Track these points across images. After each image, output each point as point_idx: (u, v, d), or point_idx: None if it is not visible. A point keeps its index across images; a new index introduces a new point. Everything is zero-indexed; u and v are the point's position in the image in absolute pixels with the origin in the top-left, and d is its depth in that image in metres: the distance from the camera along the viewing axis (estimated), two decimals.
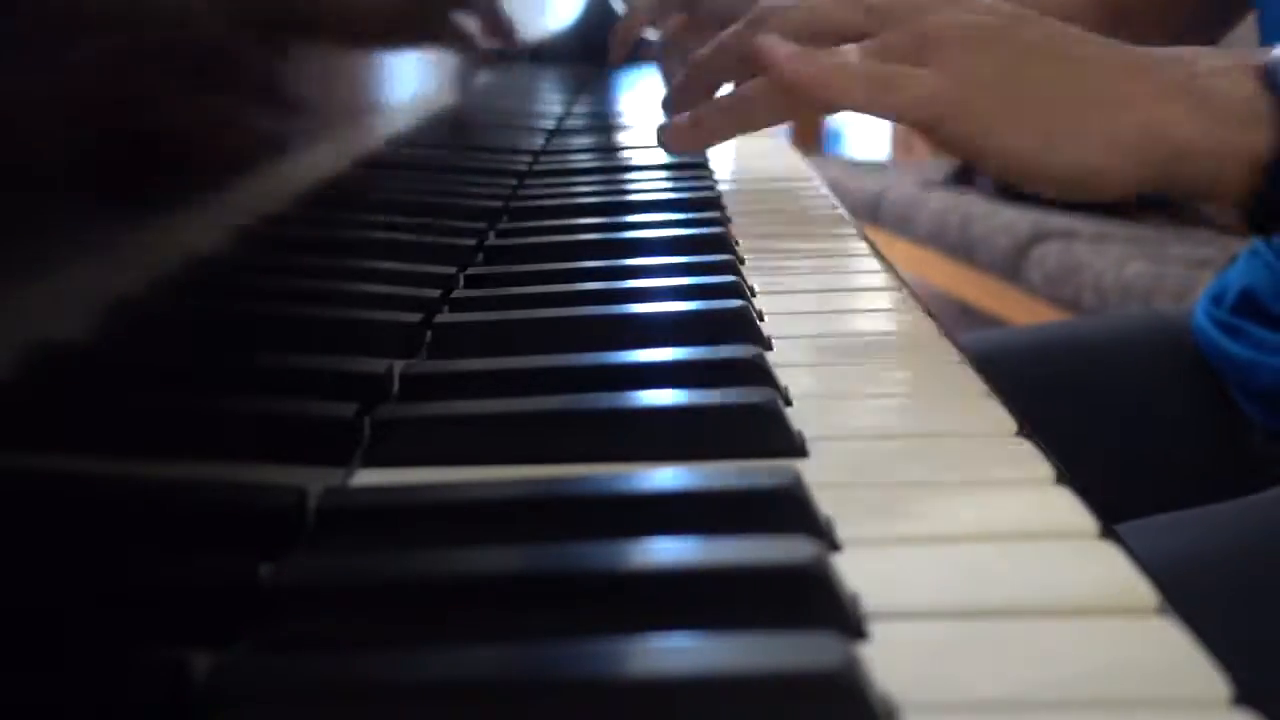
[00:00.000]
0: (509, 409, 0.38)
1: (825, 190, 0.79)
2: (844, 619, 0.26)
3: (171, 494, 0.26)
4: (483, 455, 0.36)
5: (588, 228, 0.65)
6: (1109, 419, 0.76)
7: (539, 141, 0.92)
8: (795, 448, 0.36)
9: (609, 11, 1.31)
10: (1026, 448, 0.36)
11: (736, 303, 0.47)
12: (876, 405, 0.41)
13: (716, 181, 0.78)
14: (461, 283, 0.54)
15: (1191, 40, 0.94)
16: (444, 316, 0.49)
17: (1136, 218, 2.24)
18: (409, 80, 0.54)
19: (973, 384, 0.41)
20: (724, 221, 0.65)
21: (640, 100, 1.15)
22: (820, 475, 0.33)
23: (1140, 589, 0.28)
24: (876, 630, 0.26)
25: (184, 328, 0.28)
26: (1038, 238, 2.27)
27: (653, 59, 1.14)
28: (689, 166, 0.81)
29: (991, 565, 0.29)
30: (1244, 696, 0.24)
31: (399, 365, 0.42)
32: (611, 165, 0.85)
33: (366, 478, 0.36)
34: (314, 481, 0.33)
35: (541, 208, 0.71)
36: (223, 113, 0.31)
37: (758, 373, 0.40)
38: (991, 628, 0.27)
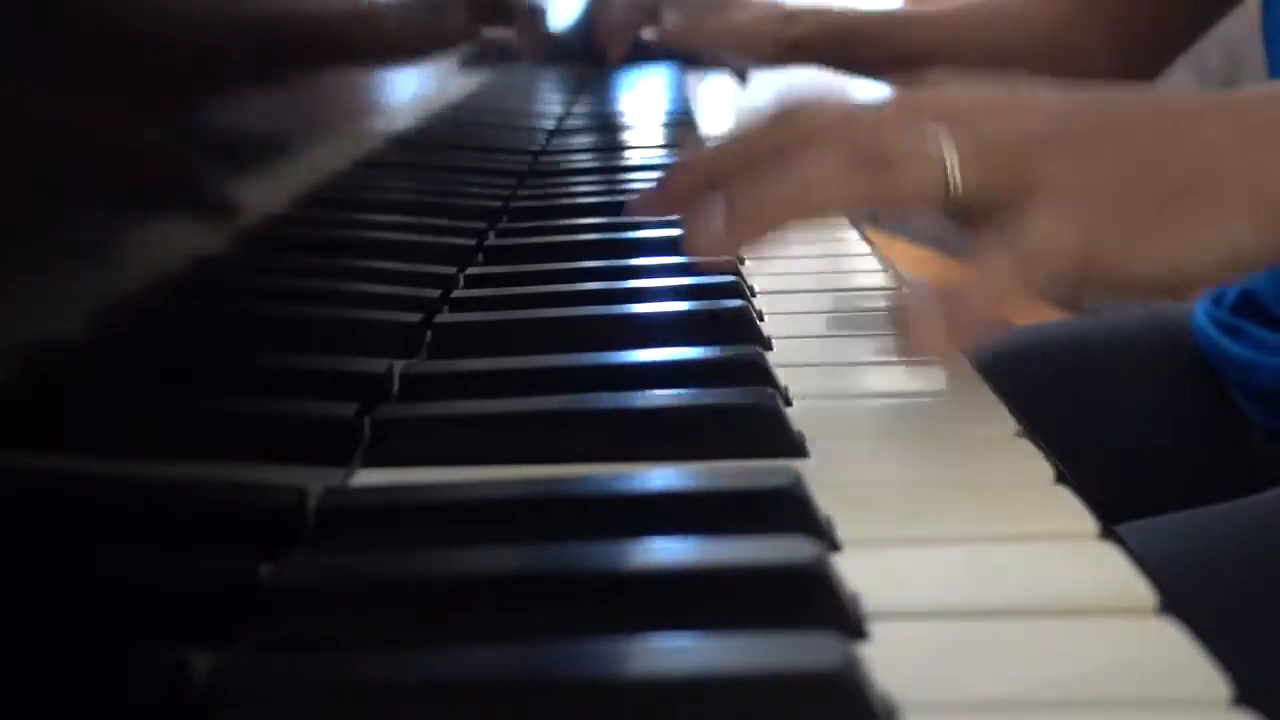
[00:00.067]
0: (509, 409, 0.38)
1: None
2: (844, 619, 0.26)
3: (172, 494, 0.26)
4: (483, 455, 0.36)
5: (588, 228, 0.65)
6: (1109, 419, 0.76)
7: (539, 141, 0.92)
8: (795, 448, 0.36)
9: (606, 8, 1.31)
10: (1026, 448, 0.36)
11: (736, 302, 0.47)
12: (876, 405, 0.41)
13: None
14: (461, 283, 0.54)
15: (1163, 41, 0.94)
16: (444, 316, 0.49)
17: None
18: (410, 79, 0.54)
19: (973, 384, 0.41)
20: None
21: (640, 100, 1.15)
22: (820, 475, 0.33)
23: (1140, 589, 0.28)
24: (876, 630, 0.26)
25: (185, 328, 0.28)
26: None
27: (653, 58, 1.14)
28: None
29: (991, 565, 0.29)
30: (1244, 696, 0.24)
31: (399, 365, 0.42)
32: (611, 165, 0.85)
33: (366, 478, 0.36)
34: (314, 481, 0.33)
35: (541, 208, 0.71)
36: (223, 113, 0.31)
37: (758, 373, 0.40)
38: (991, 628, 0.27)
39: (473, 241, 0.61)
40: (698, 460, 0.35)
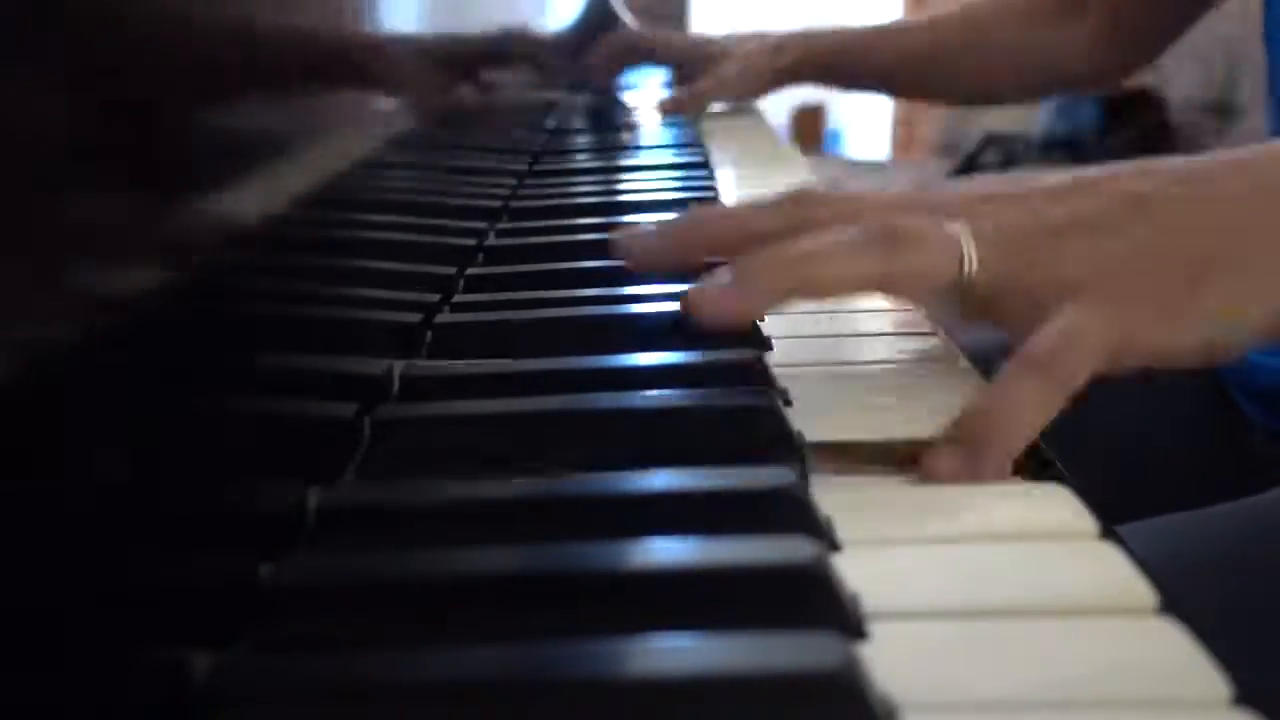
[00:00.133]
0: (509, 409, 0.38)
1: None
2: (844, 619, 0.26)
3: (172, 494, 0.26)
4: (483, 456, 0.36)
5: (587, 228, 0.65)
6: (1109, 419, 0.76)
7: (539, 141, 0.92)
8: (795, 449, 0.36)
9: (609, 12, 1.32)
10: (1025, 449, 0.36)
11: None
12: (876, 405, 0.41)
13: (716, 181, 0.78)
14: (461, 283, 0.54)
15: (1150, 37, 0.94)
16: (444, 317, 0.49)
17: None
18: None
19: (973, 384, 0.41)
20: None
21: (640, 100, 1.15)
22: (820, 475, 0.33)
23: (1140, 589, 0.28)
24: (876, 630, 0.26)
25: (185, 328, 0.28)
26: None
27: (652, 60, 1.16)
28: (689, 166, 0.81)
29: (991, 565, 0.29)
30: (1244, 696, 0.24)
31: (399, 366, 0.42)
32: (611, 165, 0.85)
33: (366, 478, 0.36)
34: (314, 482, 0.33)
35: (541, 208, 0.71)
36: (223, 112, 0.31)
37: (758, 373, 0.40)
38: (991, 628, 0.27)
39: (473, 242, 0.61)
40: (698, 462, 0.35)
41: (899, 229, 0.38)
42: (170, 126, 0.28)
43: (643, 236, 0.43)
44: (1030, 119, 3.40)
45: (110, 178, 0.25)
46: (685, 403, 0.37)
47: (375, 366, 0.41)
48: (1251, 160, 0.40)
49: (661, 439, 0.36)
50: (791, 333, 0.47)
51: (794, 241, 0.38)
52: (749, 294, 0.38)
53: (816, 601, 0.27)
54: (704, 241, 0.42)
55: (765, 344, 0.45)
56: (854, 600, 0.27)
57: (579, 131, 1.03)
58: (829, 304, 0.53)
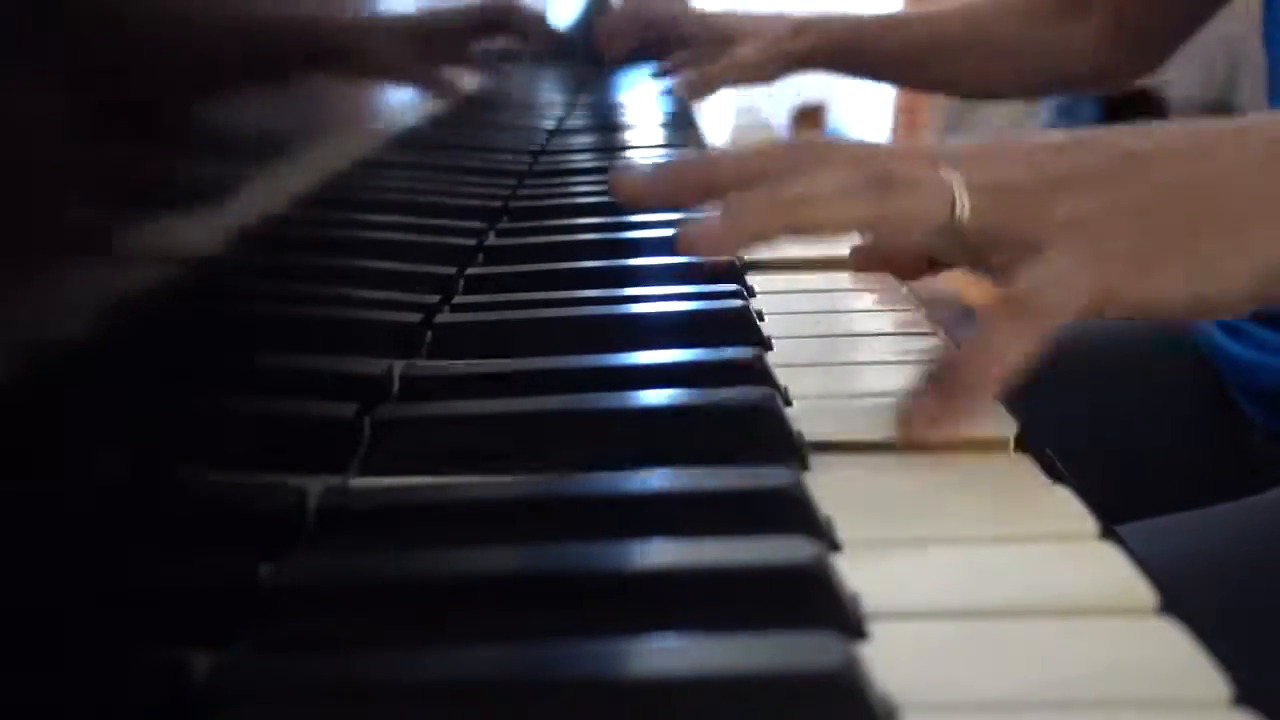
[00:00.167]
0: (509, 409, 0.38)
1: None
2: (844, 619, 0.26)
3: (172, 494, 0.26)
4: (482, 455, 0.36)
5: (588, 228, 0.65)
6: (1109, 419, 0.76)
7: (539, 141, 0.92)
8: (795, 448, 0.36)
9: (609, 12, 1.31)
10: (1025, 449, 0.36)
11: (737, 303, 0.47)
12: (876, 405, 0.41)
13: None
14: (461, 283, 0.54)
15: (1156, 39, 0.94)
16: (444, 317, 0.49)
17: None
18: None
19: None
20: None
21: (640, 100, 1.15)
22: (820, 476, 0.33)
23: (1140, 589, 0.28)
24: (876, 630, 0.26)
25: (186, 328, 0.28)
26: None
27: (654, 58, 1.15)
28: None
29: (992, 565, 0.29)
30: (1244, 696, 0.24)
31: (399, 366, 0.42)
32: (611, 165, 0.85)
33: (366, 478, 0.36)
34: (314, 481, 0.33)
35: (541, 208, 0.71)
36: (223, 113, 0.31)
37: (758, 373, 0.40)
38: (991, 628, 0.27)
39: (473, 242, 0.61)
40: (698, 461, 0.35)
41: (893, 173, 0.38)
42: (170, 126, 0.28)
43: (639, 174, 0.43)
44: (1031, 120, 3.40)
45: (110, 177, 0.25)
46: (685, 402, 0.37)
47: (375, 366, 0.41)
48: (1251, 127, 0.41)
49: (661, 439, 0.36)
50: (791, 333, 0.47)
51: (788, 181, 0.38)
52: (740, 228, 0.38)
53: (816, 601, 0.27)
54: (700, 182, 0.42)
55: (765, 344, 0.45)
56: (854, 600, 0.27)
57: (579, 131, 1.03)
58: (829, 304, 0.53)
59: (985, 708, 0.24)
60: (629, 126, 1.04)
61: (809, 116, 4.26)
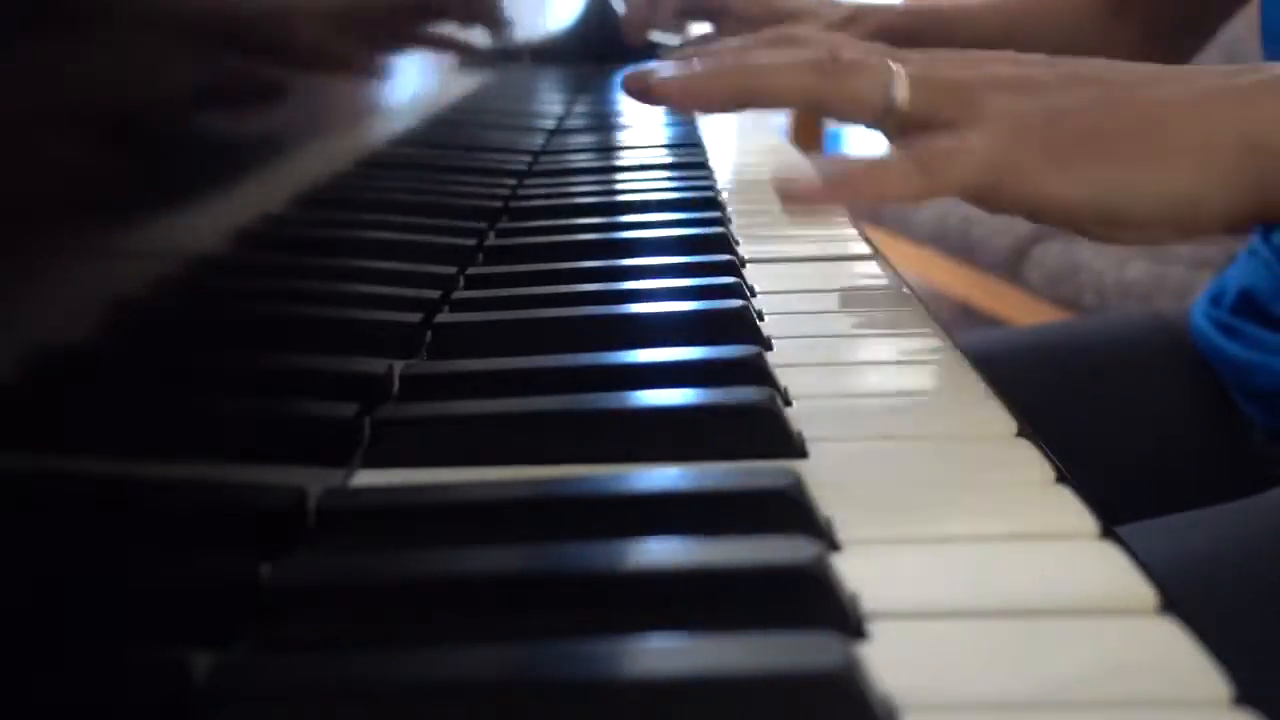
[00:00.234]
0: (509, 409, 0.38)
1: None
2: (844, 619, 0.26)
3: (172, 494, 0.26)
4: (483, 455, 0.36)
5: (587, 228, 0.65)
6: (1109, 419, 0.76)
7: (539, 141, 0.92)
8: (795, 448, 0.36)
9: (609, 11, 1.32)
10: (1026, 448, 0.36)
11: (737, 303, 0.47)
12: (876, 405, 0.41)
13: (716, 181, 0.78)
14: (461, 283, 0.54)
15: (1188, 36, 0.94)
16: (444, 316, 0.49)
17: None
18: (409, 80, 0.54)
19: (973, 384, 0.41)
20: (724, 221, 0.65)
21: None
22: (820, 475, 0.33)
23: (1141, 589, 0.28)
24: (876, 630, 0.26)
25: (185, 328, 0.28)
26: (1038, 237, 2.27)
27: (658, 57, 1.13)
28: (689, 166, 0.81)
29: (991, 565, 0.29)
30: (1244, 696, 0.24)
31: (399, 365, 0.42)
32: (611, 165, 0.85)
33: (367, 478, 0.36)
34: (314, 482, 0.33)
35: (541, 208, 0.71)
36: (223, 112, 0.31)
37: (758, 373, 0.40)
38: (991, 628, 0.27)
39: (473, 241, 0.61)
40: (698, 460, 0.35)
41: (841, 58, 0.42)
42: (169, 125, 0.28)
43: (643, 71, 0.47)
44: None
45: (110, 177, 0.25)
46: (685, 402, 0.37)
47: (375, 366, 0.41)
48: (1204, 71, 0.43)
49: (661, 438, 0.36)
50: (791, 333, 0.47)
51: (753, 54, 0.44)
52: (692, 82, 0.43)
53: (816, 601, 0.27)
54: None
55: (765, 343, 0.45)
56: (854, 600, 0.27)
57: (579, 131, 1.03)
58: (829, 304, 0.53)
59: (985, 708, 0.24)
60: (629, 126, 1.04)
61: (808, 116, 4.25)
